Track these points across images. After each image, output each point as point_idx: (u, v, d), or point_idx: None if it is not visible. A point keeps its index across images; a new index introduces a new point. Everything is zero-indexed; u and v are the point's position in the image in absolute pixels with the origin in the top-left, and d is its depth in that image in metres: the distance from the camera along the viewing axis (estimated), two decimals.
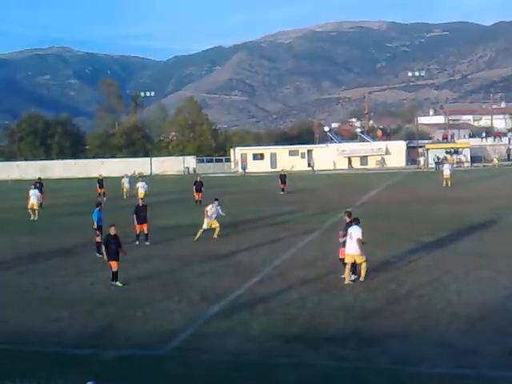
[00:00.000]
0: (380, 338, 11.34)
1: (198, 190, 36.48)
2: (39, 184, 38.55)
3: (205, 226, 23.64)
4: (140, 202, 23.12)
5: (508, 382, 9.31)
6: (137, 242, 22.40)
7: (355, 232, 15.47)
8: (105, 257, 16.19)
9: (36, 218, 31.31)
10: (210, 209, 23.90)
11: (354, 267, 15.74)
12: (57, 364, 10.60)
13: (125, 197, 41.62)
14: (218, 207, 24.37)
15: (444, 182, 43.72)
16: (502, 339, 11.10)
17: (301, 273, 16.89)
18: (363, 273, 15.68)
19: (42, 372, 9.86)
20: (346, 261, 15.61)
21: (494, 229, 23.43)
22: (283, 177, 42.39)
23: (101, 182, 42.72)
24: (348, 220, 16.18)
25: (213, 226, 23.83)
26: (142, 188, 37.92)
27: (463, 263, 17.50)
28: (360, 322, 12.38)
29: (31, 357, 11.03)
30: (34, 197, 32.34)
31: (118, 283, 16.06)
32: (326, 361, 10.37)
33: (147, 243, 22.45)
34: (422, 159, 71.49)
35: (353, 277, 15.66)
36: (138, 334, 12.14)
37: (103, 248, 16.32)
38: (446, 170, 44.71)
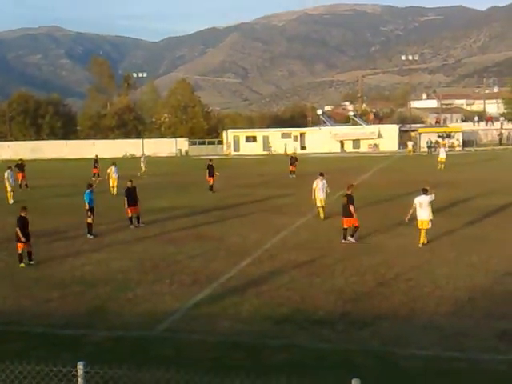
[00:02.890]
0: (369, 321, 11.42)
1: (211, 174, 33.96)
2: (20, 165, 38.10)
3: (318, 204, 23.12)
4: (129, 184, 22.80)
5: (496, 365, 9.40)
6: (131, 226, 22.34)
7: (425, 201, 17.85)
8: (22, 238, 16.34)
9: (12, 202, 30.50)
10: (317, 185, 23.22)
11: (346, 231, 18.51)
12: (47, 345, 10.62)
13: (138, 174, 42.53)
14: (324, 181, 23.35)
15: (439, 166, 44.25)
16: (491, 322, 11.21)
17: (292, 256, 16.95)
18: (424, 237, 17.84)
19: (33, 352, 9.86)
20: (418, 226, 17.96)
21: (486, 213, 23.52)
22: (293, 159, 41.86)
23: (96, 162, 43.06)
24: (347, 191, 18.91)
25: (321, 204, 23.12)
26: (115, 173, 34.10)
27: (454, 247, 17.61)
28: (350, 305, 12.45)
29: (21, 337, 11.04)
30: (11, 179, 31.58)
31: (22, 264, 16.44)
32: (316, 343, 10.44)
33: (141, 225, 22.44)
34: (410, 143, 69.79)
35: (351, 239, 18.38)
36: (129, 316, 12.17)
37: (17, 230, 16.37)
38: (442, 154, 45.84)
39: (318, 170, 26.12)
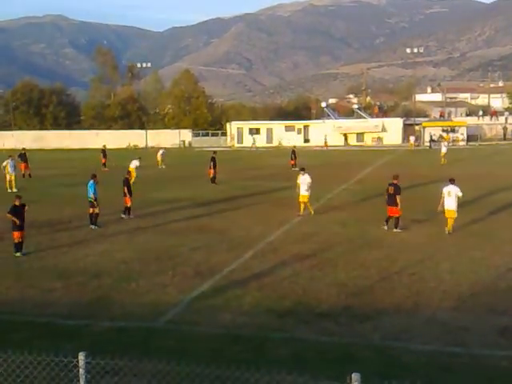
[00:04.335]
0: (372, 315, 11.42)
1: (213, 167, 33.06)
2: (23, 155, 38.16)
3: (299, 199, 22.66)
4: (127, 175, 23.07)
5: (497, 361, 9.40)
6: (131, 216, 22.42)
7: (453, 190, 18.69)
8: (17, 222, 16.47)
9: (15, 190, 30.11)
10: (300, 180, 22.67)
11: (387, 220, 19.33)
12: (49, 334, 10.64)
13: (160, 167, 44.15)
14: (306, 176, 22.62)
15: (442, 160, 44.36)
16: (493, 318, 11.20)
17: (294, 249, 16.94)
18: (451, 226, 18.69)
19: (35, 342, 9.88)
20: (446, 215, 18.77)
21: (489, 209, 23.45)
22: (293, 153, 41.93)
23: (104, 152, 43.57)
24: (394, 181, 19.34)
25: (301, 200, 22.64)
26: (134, 165, 33.86)
27: (456, 242, 17.58)
28: (352, 298, 12.45)
29: (24, 327, 11.07)
30: (11, 168, 31.75)
31: (18, 253, 16.53)
32: (318, 336, 10.45)
33: (123, 216, 22.52)
34: (412, 138, 68.64)
35: (386, 227, 19.20)
36: (132, 307, 12.19)
37: (13, 217, 16.48)
38: (443, 148, 46.28)
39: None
